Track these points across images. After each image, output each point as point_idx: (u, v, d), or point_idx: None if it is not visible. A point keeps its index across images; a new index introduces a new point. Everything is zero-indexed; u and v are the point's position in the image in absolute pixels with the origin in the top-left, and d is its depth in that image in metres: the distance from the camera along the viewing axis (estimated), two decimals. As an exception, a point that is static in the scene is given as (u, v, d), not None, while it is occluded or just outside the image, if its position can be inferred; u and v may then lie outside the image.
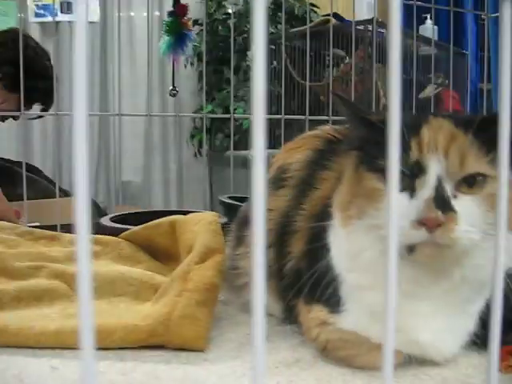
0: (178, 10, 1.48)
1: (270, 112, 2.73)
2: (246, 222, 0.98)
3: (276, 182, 0.94)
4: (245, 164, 2.65)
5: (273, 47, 3.10)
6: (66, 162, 3.41)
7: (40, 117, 2.56)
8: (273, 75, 3.07)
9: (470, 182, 0.68)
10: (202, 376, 0.75)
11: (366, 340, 0.75)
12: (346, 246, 0.76)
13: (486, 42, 1.86)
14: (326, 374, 0.75)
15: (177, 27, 1.47)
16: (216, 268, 0.93)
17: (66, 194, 2.56)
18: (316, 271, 0.78)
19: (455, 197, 0.67)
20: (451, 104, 2.70)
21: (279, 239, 0.88)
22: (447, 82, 2.94)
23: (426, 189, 0.66)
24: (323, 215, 0.80)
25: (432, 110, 2.70)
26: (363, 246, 0.73)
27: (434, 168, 0.66)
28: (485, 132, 0.68)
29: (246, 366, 0.78)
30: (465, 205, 0.66)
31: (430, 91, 2.87)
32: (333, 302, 0.77)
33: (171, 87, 1.59)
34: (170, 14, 1.51)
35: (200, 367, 0.78)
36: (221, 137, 3.32)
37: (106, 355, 0.81)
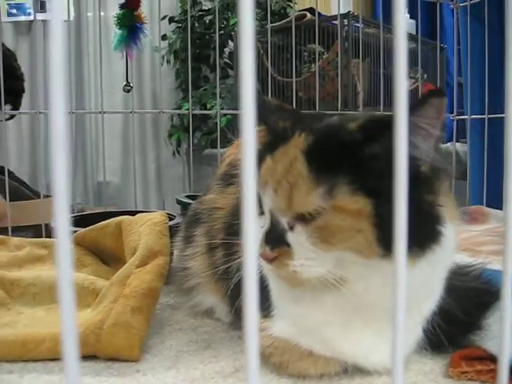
0: (130, 3, 1.42)
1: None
2: (194, 221, 0.93)
3: (225, 179, 0.89)
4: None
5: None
6: (42, 162, 3.35)
7: (11, 117, 2.49)
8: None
9: (308, 214, 0.61)
10: (131, 389, 0.70)
11: (297, 347, 0.70)
12: None
13: (456, 34, 1.81)
14: (264, 384, 0.70)
15: (129, 20, 1.41)
16: (157, 271, 0.87)
17: (37, 195, 2.49)
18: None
19: (292, 229, 0.62)
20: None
21: (227, 239, 0.83)
22: (426, 75, 2.90)
23: (266, 221, 0.64)
24: None
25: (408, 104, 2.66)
26: None
27: (267, 203, 0.63)
28: (326, 156, 0.61)
29: (179, 377, 0.72)
30: (300, 238, 0.62)
31: (408, 85, 2.82)
32: (265, 307, 0.72)
33: (125, 83, 1.54)
34: (122, 6, 1.44)
35: (130, 379, 0.72)
36: (199, 135, 3.26)
37: (33, 368, 0.76)
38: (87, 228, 1.10)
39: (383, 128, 0.59)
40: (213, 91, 3.28)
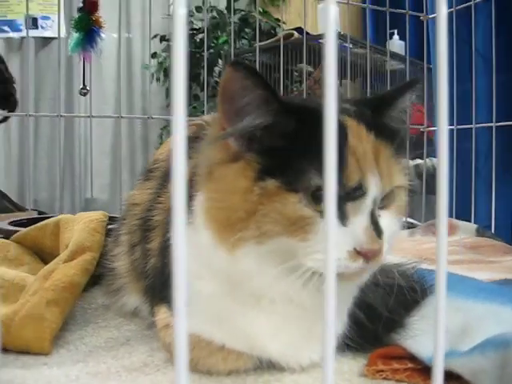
0: (88, 6, 1.42)
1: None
2: (122, 220, 0.90)
3: (146, 174, 0.87)
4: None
5: (239, 62, 3.04)
6: (30, 177, 3.34)
7: (3, 121, 2.44)
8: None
9: (386, 196, 0.60)
10: (30, 381, 0.67)
11: (208, 343, 0.67)
12: (208, 258, 0.63)
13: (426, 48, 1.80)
14: (168, 381, 0.67)
15: (86, 24, 1.40)
16: (82, 266, 0.85)
17: (17, 208, 2.48)
18: (164, 271, 0.70)
19: (379, 216, 0.59)
20: (417, 118, 2.66)
21: (143, 236, 0.80)
22: (414, 97, 2.88)
23: (362, 214, 0.57)
24: None
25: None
26: (256, 273, 0.60)
27: (373, 190, 0.57)
28: (393, 139, 0.61)
29: (84, 370, 0.70)
30: (387, 223, 0.59)
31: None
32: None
33: (81, 86, 1.53)
34: (80, 10, 1.44)
35: (34, 371, 0.69)
36: (188, 153, 3.25)
37: None
38: (28, 228, 1.08)
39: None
40: (202, 109, 3.28)
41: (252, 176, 0.57)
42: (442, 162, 0.35)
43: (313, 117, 0.53)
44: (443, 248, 0.35)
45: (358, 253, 0.56)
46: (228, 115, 0.58)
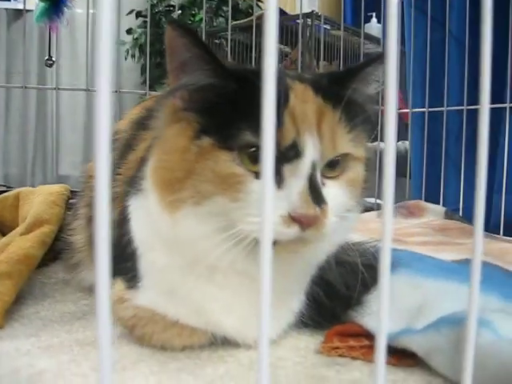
0: (54, -25, 1.38)
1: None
2: (80, 193, 0.89)
3: None
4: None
5: (216, 41, 3.02)
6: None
7: None
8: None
9: (333, 165, 0.58)
10: (-21, 354, 0.65)
11: (163, 317, 0.66)
12: (157, 225, 0.63)
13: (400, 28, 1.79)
14: (121, 355, 0.66)
15: (52, -7, 1.37)
16: (38, 239, 0.84)
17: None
18: (120, 243, 0.69)
19: (323, 184, 0.57)
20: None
21: None
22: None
23: (299, 178, 0.54)
24: (133, 181, 0.69)
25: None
26: (196, 236, 0.59)
27: (311, 152, 0.55)
28: (348, 107, 0.59)
29: (36, 344, 0.68)
30: (333, 193, 0.57)
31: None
32: (130, 277, 0.67)
33: (47, 57, 1.49)
34: (46, -22, 1.40)
35: (-16, 345, 0.68)
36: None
37: None
38: (-12, 201, 1.05)
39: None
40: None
41: (191, 135, 0.57)
42: (389, 144, 0.35)
43: (252, 77, 0.53)
44: (388, 225, 0.34)
45: (293, 218, 0.54)
46: (173, 73, 0.59)
